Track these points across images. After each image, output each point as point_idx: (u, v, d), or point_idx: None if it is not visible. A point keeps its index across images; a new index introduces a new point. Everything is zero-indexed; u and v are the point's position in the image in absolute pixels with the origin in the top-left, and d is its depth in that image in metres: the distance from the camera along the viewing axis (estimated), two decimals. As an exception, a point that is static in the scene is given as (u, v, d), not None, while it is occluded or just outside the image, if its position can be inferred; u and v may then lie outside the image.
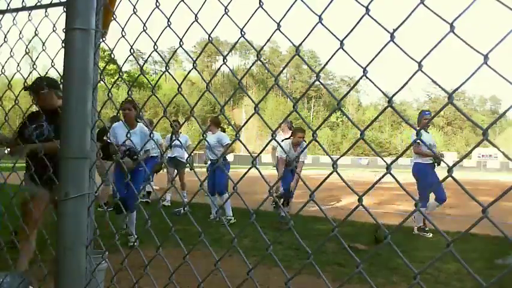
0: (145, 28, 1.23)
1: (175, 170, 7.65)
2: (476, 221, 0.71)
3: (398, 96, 75.67)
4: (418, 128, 0.75)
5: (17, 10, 1.66)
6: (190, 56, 1.36)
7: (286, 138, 6.09)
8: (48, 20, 1.53)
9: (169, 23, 1.19)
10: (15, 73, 1.70)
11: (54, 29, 1.45)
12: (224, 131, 6.68)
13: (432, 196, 5.52)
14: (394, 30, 0.80)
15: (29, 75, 1.65)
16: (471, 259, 4.01)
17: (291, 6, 0.99)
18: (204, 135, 1.21)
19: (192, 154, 9.32)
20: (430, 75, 0.77)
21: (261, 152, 1.18)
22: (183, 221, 5.81)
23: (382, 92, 0.90)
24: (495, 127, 69.06)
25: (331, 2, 0.93)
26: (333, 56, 0.90)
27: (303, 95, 1.28)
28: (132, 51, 1.26)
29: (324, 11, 0.94)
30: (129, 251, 1.27)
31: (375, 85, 0.87)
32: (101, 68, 1.30)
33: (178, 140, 7.51)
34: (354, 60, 0.87)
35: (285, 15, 1.00)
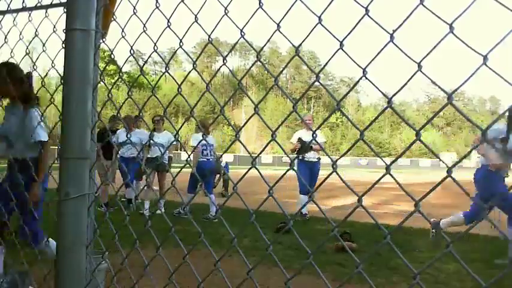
0: (145, 29, 1.23)
1: (156, 173, 6.67)
2: (475, 221, 0.71)
3: (398, 97, 75.83)
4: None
5: (17, 11, 1.66)
6: (190, 57, 1.37)
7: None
8: (48, 20, 1.53)
9: (169, 24, 1.19)
10: (15, 73, 1.71)
11: (55, 29, 1.45)
12: (203, 134, 6.17)
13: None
14: (394, 31, 0.81)
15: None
16: (471, 259, 4.01)
17: (291, 6, 1.00)
18: (204, 136, 1.21)
19: (171, 155, 8.21)
20: (430, 75, 0.78)
21: (260, 152, 1.18)
22: (183, 221, 5.81)
23: (382, 93, 0.91)
24: (495, 127, 68.99)
25: (331, 2, 0.93)
26: (332, 56, 0.91)
27: (303, 96, 1.28)
28: (132, 51, 1.26)
29: (323, 11, 0.94)
30: (129, 250, 1.27)
31: (375, 86, 0.87)
32: (101, 69, 1.30)
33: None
34: (354, 61, 0.87)
35: (285, 15, 1.00)
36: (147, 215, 5.82)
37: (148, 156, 6.65)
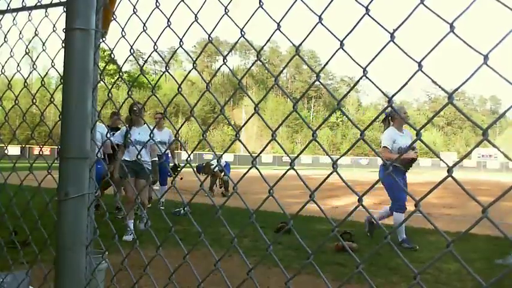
0: (145, 28, 1.23)
1: (136, 181, 5.06)
2: (476, 221, 0.71)
3: (399, 96, 75.74)
4: (417, 128, 0.75)
5: (17, 10, 1.66)
6: (190, 56, 1.36)
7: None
8: (48, 20, 1.53)
9: (169, 23, 1.19)
10: (15, 73, 1.71)
11: (54, 29, 1.45)
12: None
13: None
14: (394, 31, 0.80)
15: (29, 75, 1.65)
16: (471, 259, 4.01)
17: (291, 6, 0.99)
18: (204, 136, 1.21)
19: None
20: (430, 75, 0.77)
21: (261, 152, 1.18)
22: (183, 221, 5.81)
23: (382, 92, 0.90)
24: (495, 127, 69.12)
25: (331, 2, 0.93)
26: (332, 56, 0.90)
27: (303, 95, 1.28)
28: (132, 51, 1.26)
29: (324, 11, 0.94)
30: (129, 250, 1.27)
31: (375, 85, 0.87)
32: (101, 68, 1.30)
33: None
34: (354, 61, 0.87)
35: (285, 15, 1.00)
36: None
37: (126, 158, 5.01)
